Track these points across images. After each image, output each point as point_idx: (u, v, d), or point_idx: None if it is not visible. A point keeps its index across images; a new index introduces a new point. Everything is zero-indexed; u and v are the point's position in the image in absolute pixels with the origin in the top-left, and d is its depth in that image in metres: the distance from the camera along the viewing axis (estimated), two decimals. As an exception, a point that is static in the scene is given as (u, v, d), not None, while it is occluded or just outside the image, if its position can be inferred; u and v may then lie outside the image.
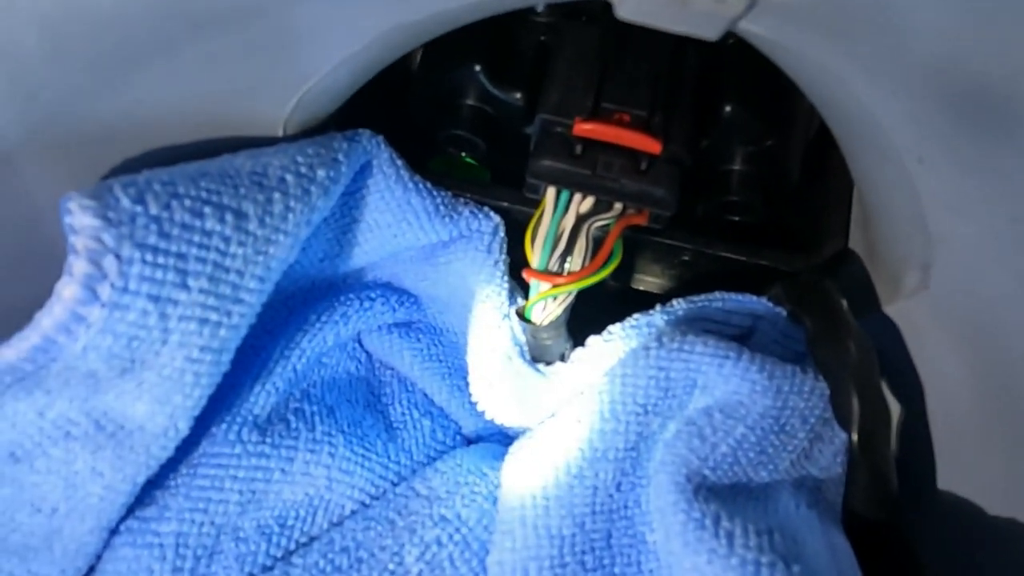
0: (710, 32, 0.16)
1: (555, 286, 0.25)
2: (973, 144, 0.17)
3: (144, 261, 0.18)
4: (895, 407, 0.26)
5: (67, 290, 0.17)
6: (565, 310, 0.26)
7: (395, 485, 0.27)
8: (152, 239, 0.18)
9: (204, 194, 0.19)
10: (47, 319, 0.17)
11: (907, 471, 0.25)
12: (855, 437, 0.23)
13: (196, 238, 0.19)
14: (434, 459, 0.29)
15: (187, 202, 0.19)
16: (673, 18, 0.15)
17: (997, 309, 0.21)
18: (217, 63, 0.18)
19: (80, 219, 0.17)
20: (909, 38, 0.14)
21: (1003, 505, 0.23)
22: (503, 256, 0.28)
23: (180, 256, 0.19)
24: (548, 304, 0.25)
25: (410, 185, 0.27)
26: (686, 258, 0.30)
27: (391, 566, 0.23)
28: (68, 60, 0.16)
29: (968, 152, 0.17)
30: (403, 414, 0.30)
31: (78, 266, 0.17)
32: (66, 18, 0.15)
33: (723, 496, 0.22)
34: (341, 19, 0.17)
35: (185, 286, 0.19)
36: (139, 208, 0.18)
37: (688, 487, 0.22)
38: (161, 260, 0.18)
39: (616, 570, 0.23)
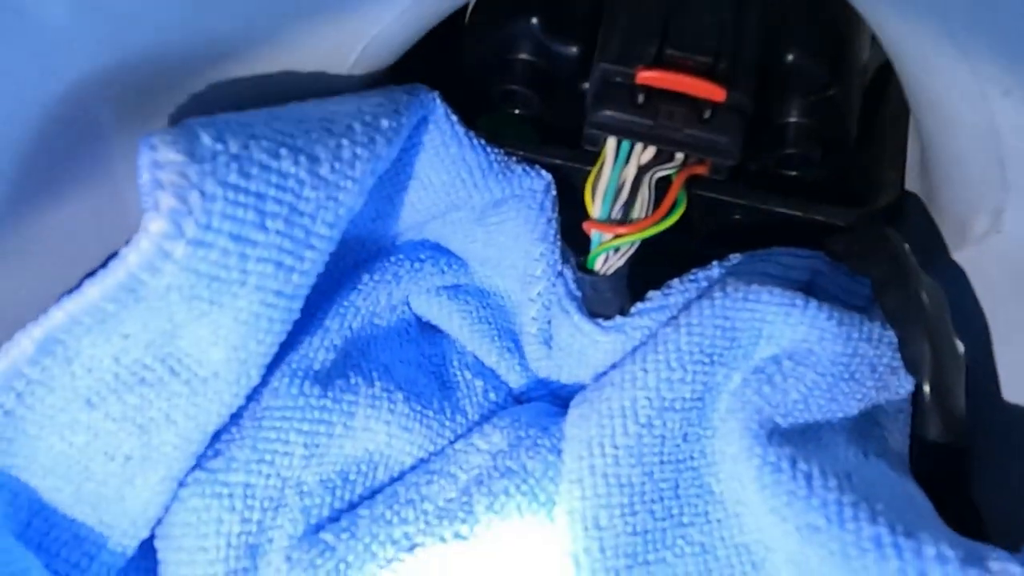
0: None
1: (617, 236, 0.25)
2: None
3: (226, 199, 0.18)
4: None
5: (154, 224, 0.17)
6: (627, 261, 0.25)
7: (452, 443, 0.27)
8: (233, 177, 0.18)
9: (279, 136, 0.19)
10: (133, 255, 0.17)
11: (970, 413, 0.25)
12: (927, 385, 0.23)
13: (273, 179, 0.19)
14: (488, 418, 0.29)
15: (264, 143, 0.19)
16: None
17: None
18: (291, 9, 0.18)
19: (165, 154, 0.17)
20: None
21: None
22: (555, 214, 0.28)
23: (259, 196, 0.18)
24: (610, 256, 0.25)
25: (465, 141, 0.27)
26: (738, 216, 0.30)
27: (461, 515, 0.23)
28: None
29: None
30: (455, 374, 0.30)
31: (165, 200, 0.17)
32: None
33: (795, 442, 0.22)
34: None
35: (263, 227, 0.19)
36: (220, 146, 0.18)
37: (761, 432, 0.22)
38: (242, 199, 0.18)
39: (684, 520, 0.23)
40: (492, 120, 0.31)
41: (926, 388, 0.23)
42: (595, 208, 0.25)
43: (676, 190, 0.24)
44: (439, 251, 0.32)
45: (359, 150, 0.22)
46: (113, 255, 0.18)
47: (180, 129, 0.18)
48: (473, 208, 0.29)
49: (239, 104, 0.20)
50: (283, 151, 0.19)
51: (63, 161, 0.19)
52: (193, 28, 0.18)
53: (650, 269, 0.28)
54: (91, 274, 0.18)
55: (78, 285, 0.18)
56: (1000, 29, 0.17)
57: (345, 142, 0.21)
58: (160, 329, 0.19)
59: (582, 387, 0.28)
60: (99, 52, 0.17)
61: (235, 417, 0.24)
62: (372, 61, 0.23)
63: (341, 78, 0.23)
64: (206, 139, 0.17)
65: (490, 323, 0.31)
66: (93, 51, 0.17)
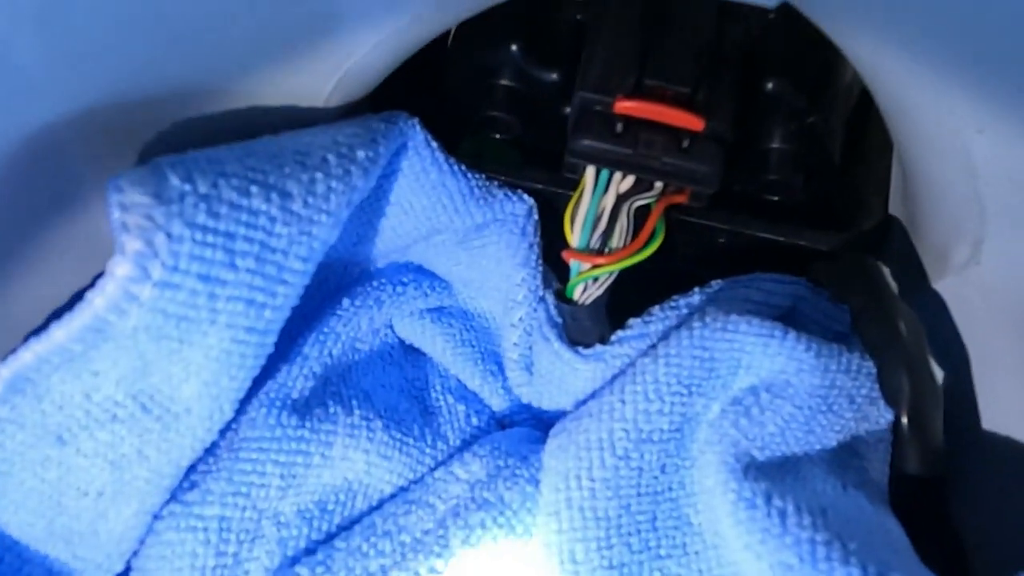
0: (768, 1, 0.15)
1: (596, 266, 0.24)
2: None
3: (194, 240, 0.17)
4: (939, 377, 0.26)
5: (120, 268, 0.16)
6: (606, 291, 0.25)
7: (432, 470, 0.27)
8: (201, 218, 0.18)
9: (250, 173, 0.19)
10: (99, 298, 0.17)
11: (950, 443, 0.25)
12: (905, 417, 0.23)
13: (243, 217, 0.19)
14: (469, 444, 0.29)
15: (234, 181, 0.19)
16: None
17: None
18: (267, 37, 0.18)
19: (131, 196, 0.17)
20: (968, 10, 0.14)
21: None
22: (537, 238, 0.27)
23: (228, 235, 0.18)
24: (589, 285, 0.25)
25: (445, 167, 0.26)
26: (722, 240, 0.30)
27: (436, 549, 0.23)
28: (125, 35, 0.16)
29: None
30: (437, 399, 0.30)
31: (130, 244, 0.16)
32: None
33: (771, 476, 0.22)
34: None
35: (233, 266, 0.19)
36: (188, 187, 0.18)
37: (737, 466, 0.22)
38: (210, 239, 0.18)
39: (661, 552, 0.23)
40: (476, 142, 0.31)
41: (904, 419, 0.23)
42: (574, 237, 0.25)
43: (654, 221, 0.24)
44: (423, 273, 0.32)
45: (334, 183, 0.22)
46: (80, 294, 0.18)
47: (148, 169, 0.17)
48: (456, 232, 0.29)
49: (213, 138, 0.20)
50: (254, 188, 0.19)
51: (36, 197, 0.19)
52: (163, 70, 0.18)
53: (636, 291, 0.28)
54: (57, 314, 0.18)
55: (45, 324, 0.18)
56: (972, 67, 0.17)
57: (319, 175, 0.21)
58: (130, 366, 0.19)
59: (565, 412, 0.27)
60: (70, 93, 0.17)
61: (212, 448, 0.24)
62: (348, 91, 0.23)
63: (317, 110, 0.22)
64: (174, 179, 0.17)
65: (473, 346, 0.31)
66: (64, 92, 0.17)
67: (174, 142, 0.20)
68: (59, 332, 0.17)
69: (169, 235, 0.17)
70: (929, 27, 0.16)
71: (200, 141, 0.20)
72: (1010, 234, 0.21)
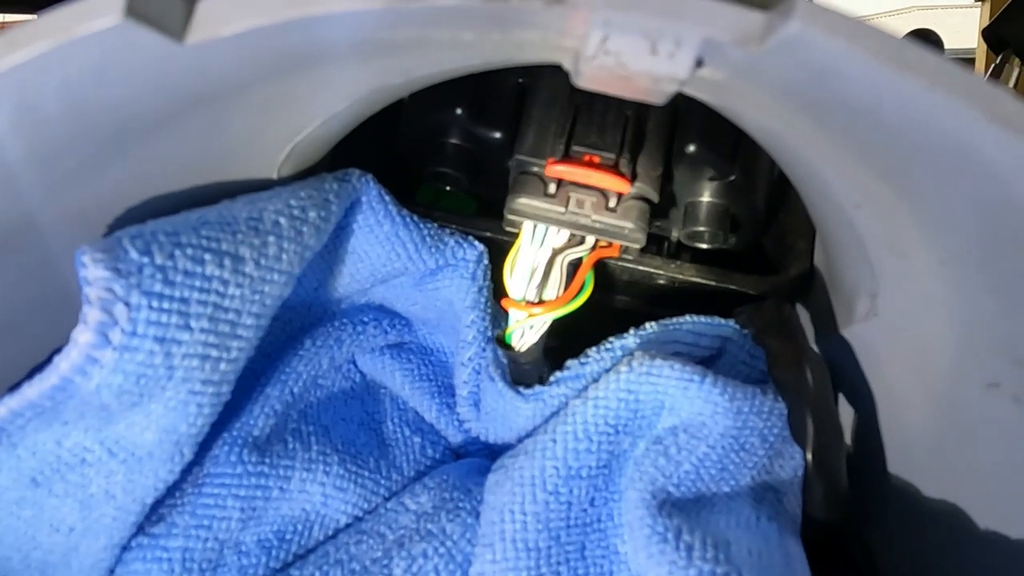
0: (656, 100, 0.18)
1: (531, 315, 0.27)
2: (896, 196, 0.19)
3: (151, 307, 0.20)
4: (850, 415, 0.28)
5: (82, 336, 0.19)
6: (542, 337, 0.27)
7: (387, 500, 0.29)
8: (158, 287, 0.20)
9: (204, 242, 0.21)
10: (64, 362, 0.19)
11: (860, 473, 0.27)
12: (810, 456, 0.25)
13: (197, 283, 0.21)
14: (424, 474, 0.31)
15: (189, 251, 0.21)
16: (621, 90, 0.17)
17: (937, 339, 0.23)
18: (215, 128, 0.20)
19: (93, 272, 0.19)
20: (820, 113, 0.16)
21: (948, 505, 0.24)
22: (487, 283, 0.29)
23: (183, 301, 0.20)
24: (526, 332, 0.27)
25: (397, 219, 0.28)
26: (662, 282, 0.32)
27: (381, 577, 0.25)
28: (86, 137, 0.18)
29: (893, 202, 0.19)
30: (395, 431, 0.32)
31: (92, 315, 0.19)
32: (87, 104, 0.17)
33: (686, 511, 0.24)
34: (325, 87, 0.19)
35: (188, 327, 0.21)
36: (145, 259, 0.20)
37: (653, 503, 0.24)
38: (166, 305, 0.20)
39: (590, 579, 0.25)
40: (432, 190, 0.33)
41: (808, 457, 0.25)
42: (511, 288, 0.27)
43: (584, 273, 0.26)
44: (383, 312, 0.34)
45: (286, 244, 0.24)
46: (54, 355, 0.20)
47: (109, 243, 0.19)
48: (411, 276, 0.31)
49: (173, 207, 0.22)
50: (207, 256, 0.21)
51: (10, 271, 0.21)
52: (124, 157, 0.20)
53: (587, 325, 0.30)
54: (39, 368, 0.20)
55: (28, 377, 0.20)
56: (839, 153, 0.19)
57: (271, 239, 0.23)
58: (96, 417, 0.21)
59: (511, 445, 0.30)
60: (47, 185, 0.19)
61: (179, 483, 0.26)
62: (300, 161, 0.25)
63: (272, 173, 0.25)
64: (133, 253, 0.19)
65: (431, 380, 0.33)
66: (41, 185, 0.19)
67: (136, 213, 0.22)
68: (30, 390, 0.19)
69: (128, 304, 0.19)
70: (801, 129, 0.18)
71: (160, 209, 0.22)
72: (896, 291, 0.23)
